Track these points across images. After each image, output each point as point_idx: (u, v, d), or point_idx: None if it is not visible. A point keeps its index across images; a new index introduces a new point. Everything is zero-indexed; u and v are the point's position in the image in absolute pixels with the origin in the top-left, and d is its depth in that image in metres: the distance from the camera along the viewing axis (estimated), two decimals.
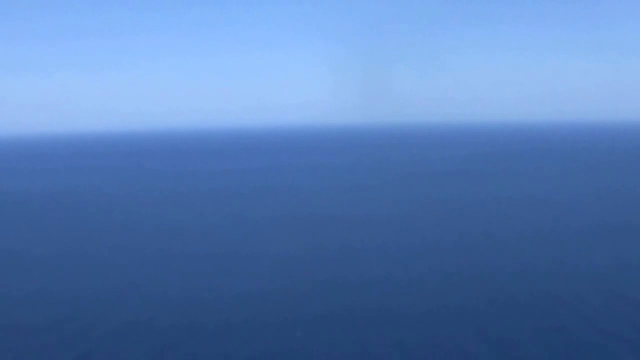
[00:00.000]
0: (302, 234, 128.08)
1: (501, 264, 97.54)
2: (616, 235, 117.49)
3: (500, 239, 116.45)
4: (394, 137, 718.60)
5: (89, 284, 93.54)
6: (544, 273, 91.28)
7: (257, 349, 65.12)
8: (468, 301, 78.65)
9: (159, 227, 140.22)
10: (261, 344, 66.54)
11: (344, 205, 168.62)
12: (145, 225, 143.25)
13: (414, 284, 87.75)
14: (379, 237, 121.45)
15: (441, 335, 67.18)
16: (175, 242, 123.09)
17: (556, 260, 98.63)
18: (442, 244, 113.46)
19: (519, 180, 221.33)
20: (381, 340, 66.43)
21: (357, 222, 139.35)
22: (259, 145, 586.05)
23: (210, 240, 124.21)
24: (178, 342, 68.29)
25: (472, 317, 72.99)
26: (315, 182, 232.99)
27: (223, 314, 76.63)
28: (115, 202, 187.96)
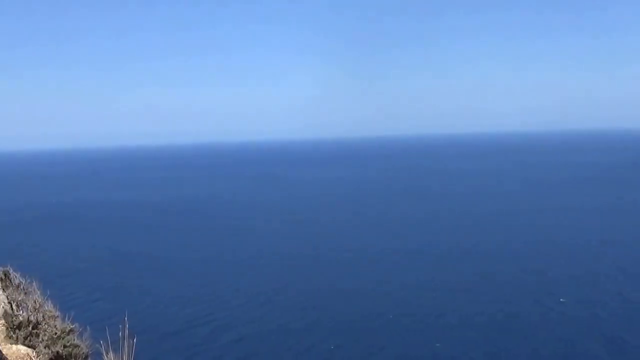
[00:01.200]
0: (448, 235, 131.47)
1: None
2: None
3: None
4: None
5: (230, 291, 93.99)
6: None
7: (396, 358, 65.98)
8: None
9: (300, 234, 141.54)
10: (400, 352, 67.30)
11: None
12: (282, 232, 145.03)
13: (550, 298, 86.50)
14: (519, 244, 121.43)
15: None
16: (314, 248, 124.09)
17: None
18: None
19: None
20: (517, 351, 67.22)
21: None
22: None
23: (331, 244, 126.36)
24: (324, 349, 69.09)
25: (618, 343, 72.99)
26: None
27: (359, 320, 77.58)
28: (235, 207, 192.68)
